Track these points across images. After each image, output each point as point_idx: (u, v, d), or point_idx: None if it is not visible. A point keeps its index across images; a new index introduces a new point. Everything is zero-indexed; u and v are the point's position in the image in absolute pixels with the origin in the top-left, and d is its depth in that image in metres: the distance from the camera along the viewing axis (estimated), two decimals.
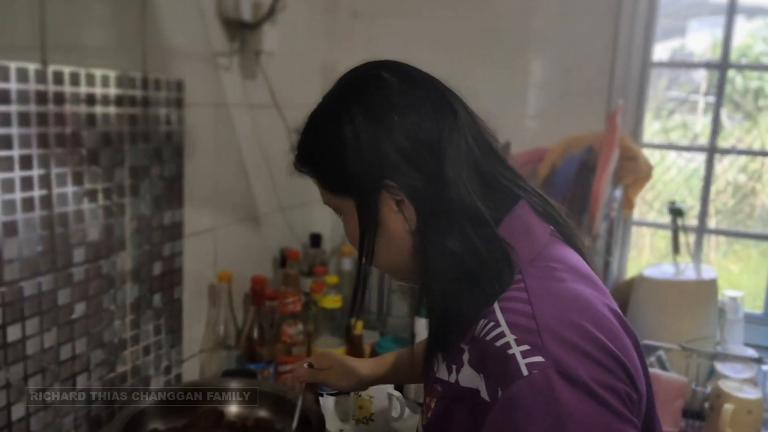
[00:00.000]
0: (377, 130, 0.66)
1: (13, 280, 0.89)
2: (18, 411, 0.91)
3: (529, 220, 0.69)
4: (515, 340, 0.58)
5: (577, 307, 0.62)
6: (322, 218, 1.75)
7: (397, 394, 1.25)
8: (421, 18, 1.70)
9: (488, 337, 0.60)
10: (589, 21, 1.58)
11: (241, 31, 1.32)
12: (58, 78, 0.92)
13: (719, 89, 1.56)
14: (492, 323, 0.61)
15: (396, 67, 0.71)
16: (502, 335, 0.59)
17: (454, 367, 0.66)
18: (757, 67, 1.74)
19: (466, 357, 0.64)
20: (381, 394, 1.24)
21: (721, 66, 1.56)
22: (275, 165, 1.53)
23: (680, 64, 1.75)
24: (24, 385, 0.92)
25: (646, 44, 1.57)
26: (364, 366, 1.01)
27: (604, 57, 1.56)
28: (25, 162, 0.88)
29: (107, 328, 1.06)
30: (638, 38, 1.55)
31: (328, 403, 1.29)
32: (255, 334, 1.35)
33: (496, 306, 0.62)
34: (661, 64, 1.66)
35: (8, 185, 0.86)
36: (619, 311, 0.68)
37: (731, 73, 1.63)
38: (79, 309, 1.00)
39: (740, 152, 1.67)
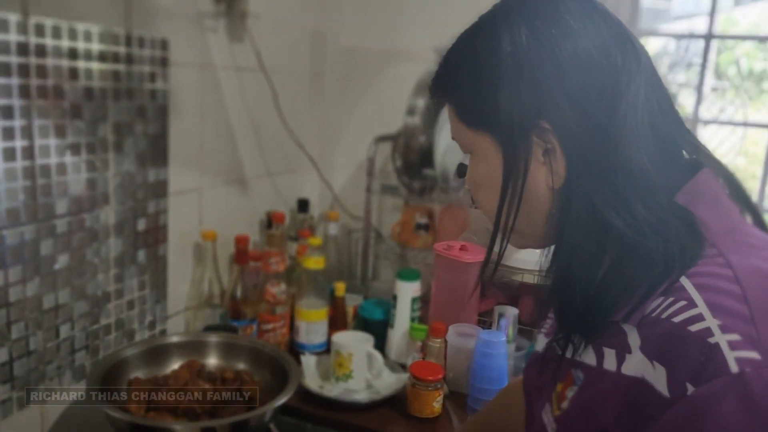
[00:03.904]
0: (543, 54, 0.55)
1: None
2: (1, 356, 0.94)
3: (716, 191, 0.57)
4: (719, 326, 0.47)
5: None
6: (310, 184, 1.77)
7: (375, 352, 1.28)
8: None
9: (676, 319, 0.49)
10: None
11: None
12: (40, 30, 0.93)
13: (704, 59, 1.57)
14: (681, 302, 0.50)
15: None
16: (699, 318, 0.48)
17: (612, 352, 0.55)
18: (742, 37, 1.74)
19: (635, 342, 0.52)
20: (360, 352, 1.27)
21: (705, 37, 1.56)
22: (263, 129, 1.55)
23: (665, 34, 1.75)
24: (6, 331, 0.94)
25: (632, 13, 1.57)
26: None
27: None
28: (6, 112, 0.90)
29: (90, 281, 1.08)
30: (624, 8, 1.56)
31: (309, 361, 1.32)
32: (239, 293, 1.37)
33: (685, 282, 0.51)
34: (647, 33, 1.66)
35: None
36: None
37: (735, 54, 1.63)
38: (62, 260, 1.02)
39: (722, 123, 1.67)
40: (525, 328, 1.39)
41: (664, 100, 0.58)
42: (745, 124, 1.65)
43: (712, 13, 1.55)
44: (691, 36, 1.63)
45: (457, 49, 0.61)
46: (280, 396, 0.94)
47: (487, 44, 0.57)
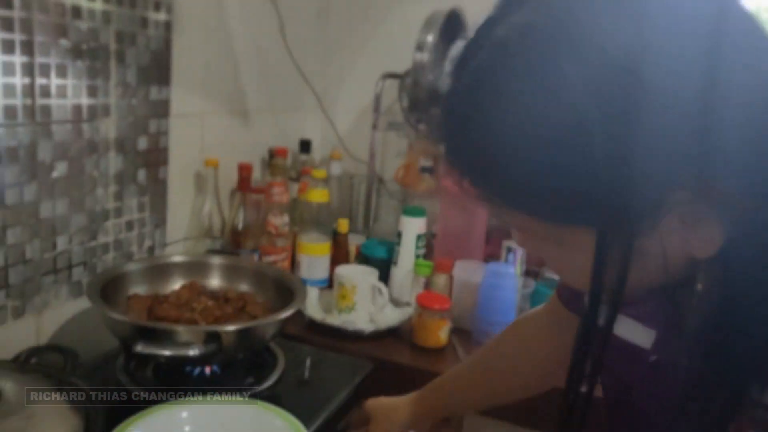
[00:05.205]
0: (651, 96, 0.37)
1: None
2: None
3: None
4: None
5: None
6: (313, 125, 1.73)
7: (381, 285, 1.25)
8: None
9: None
10: None
11: None
12: None
13: None
14: None
15: None
16: None
17: None
18: None
19: None
20: (364, 285, 1.24)
21: None
22: (267, 60, 1.50)
23: None
24: (2, 234, 0.90)
25: None
26: (406, 405, 0.85)
27: None
28: (4, 2, 0.85)
29: (89, 195, 1.04)
30: None
31: (311, 294, 1.29)
32: (240, 224, 1.34)
33: None
34: None
35: None
36: None
37: None
38: (61, 168, 0.98)
39: None
40: (533, 270, 1.37)
41: None
42: None
43: None
44: None
45: (500, 113, 0.40)
46: (287, 308, 0.91)
47: (557, 104, 0.38)
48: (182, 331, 0.82)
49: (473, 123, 0.42)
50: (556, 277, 1.25)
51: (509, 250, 1.26)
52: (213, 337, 0.81)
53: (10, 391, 0.66)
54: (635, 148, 0.37)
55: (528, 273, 1.35)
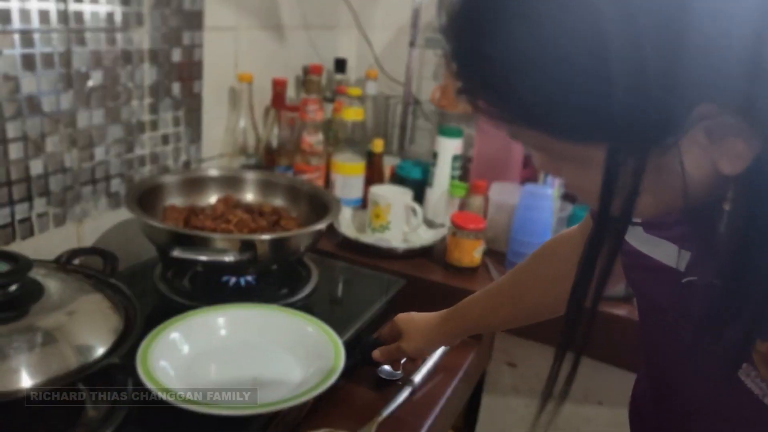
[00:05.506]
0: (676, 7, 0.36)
1: (26, 30, 0.86)
2: (36, 167, 0.92)
3: None
4: None
5: None
6: (348, 43, 1.69)
7: (416, 205, 1.24)
8: None
9: None
10: None
11: None
12: None
13: None
14: None
15: None
16: None
17: None
18: None
19: None
20: (399, 204, 1.23)
21: None
22: None
23: None
24: (41, 141, 0.91)
25: None
26: (437, 321, 0.84)
27: None
28: None
29: (125, 106, 1.04)
30: None
31: (345, 213, 1.29)
32: (274, 142, 1.33)
33: None
34: None
35: None
36: None
37: None
38: (96, 77, 0.97)
39: None
40: (571, 193, 1.34)
41: None
42: None
43: None
44: None
45: (514, 22, 0.38)
46: (321, 221, 0.91)
47: (574, 10, 0.36)
48: (218, 239, 0.83)
49: (486, 35, 0.40)
50: None
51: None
52: (248, 246, 0.82)
53: (52, 288, 0.68)
54: (666, 63, 0.36)
55: (566, 197, 1.32)
